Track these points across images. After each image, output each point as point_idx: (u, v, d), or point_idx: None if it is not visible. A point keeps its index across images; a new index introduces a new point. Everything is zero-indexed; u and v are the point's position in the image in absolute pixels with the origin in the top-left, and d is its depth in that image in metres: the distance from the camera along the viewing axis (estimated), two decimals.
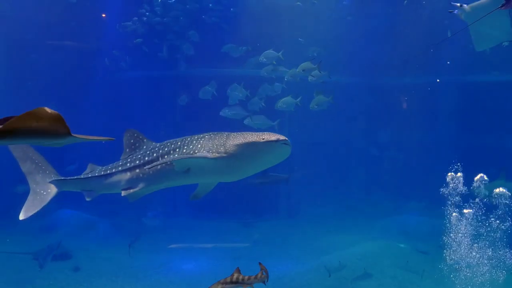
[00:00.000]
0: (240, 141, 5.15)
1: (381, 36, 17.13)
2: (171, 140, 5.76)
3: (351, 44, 17.12)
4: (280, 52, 12.29)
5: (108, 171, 5.86)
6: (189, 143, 5.52)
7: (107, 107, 16.58)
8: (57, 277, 10.51)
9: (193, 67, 16.76)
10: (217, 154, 5.20)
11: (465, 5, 6.61)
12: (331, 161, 17.43)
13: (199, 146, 5.39)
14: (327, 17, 16.91)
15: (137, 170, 5.67)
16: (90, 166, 6.09)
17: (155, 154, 5.64)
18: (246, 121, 12.20)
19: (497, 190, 7.23)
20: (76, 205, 14.68)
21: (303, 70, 11.17)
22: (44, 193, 5.96)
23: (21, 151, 6.01)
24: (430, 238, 12.49)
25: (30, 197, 5.97)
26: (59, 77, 16.35)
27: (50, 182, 6.00)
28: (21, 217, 5.78)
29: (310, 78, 11.34)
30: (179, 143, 5.60)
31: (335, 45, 15.96)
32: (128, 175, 5.72)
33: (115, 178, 5.82)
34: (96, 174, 5.97)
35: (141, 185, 5.67)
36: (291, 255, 12.03)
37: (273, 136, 5.13)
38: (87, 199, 6.01)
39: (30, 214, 5.81)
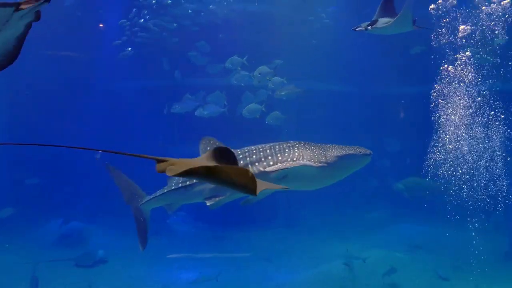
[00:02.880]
0: (341, 153, 5.56)
1: (369, 43, 17.11)
2: (252, 147, 5.78)
3: (338, 51, 17.17)
4: (245, 58, 12.40)
5: (188, 182, 5.80)
6: (282, 151, 5.60)
7: (105, 115, 16.59)
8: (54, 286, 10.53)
9: (188, 77, 16.73)
10: (319, 164, 5.46)
11: (370, 27, 7.19)
12: None
13: (296, 154, 5.50)
14: (318, 25, 17.03)
15: None
16: (169, 180, 6.06)
17: (242, 162, 5.60)
18: (197, 112, 12.34)
19: None
20: (87, 217, 14.68)
21: (259, 74, 11.35)
22: (142, 219, 6.35)
23: (124, 183, 6.47)
24: (429, 247, 12.58)
25: (137, 227, 6.43)
26: (57, 86, 16.39)
27: (140, 207, 6.31)
28: (142, 249, 6.28)
29: (269, 84, 11.67)
30: (268, 150, 5.63)
31: (321, 52, 16.10)
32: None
33: (199, 188, 5.78)
34: (173, 187, 5.95)
35: (228, 193, 5.53)
36: (290, 264, 12.00)
37: (367, 150, 5.68)
38: (169, 212, 6.29)
39: (145, 245, 6.35)
